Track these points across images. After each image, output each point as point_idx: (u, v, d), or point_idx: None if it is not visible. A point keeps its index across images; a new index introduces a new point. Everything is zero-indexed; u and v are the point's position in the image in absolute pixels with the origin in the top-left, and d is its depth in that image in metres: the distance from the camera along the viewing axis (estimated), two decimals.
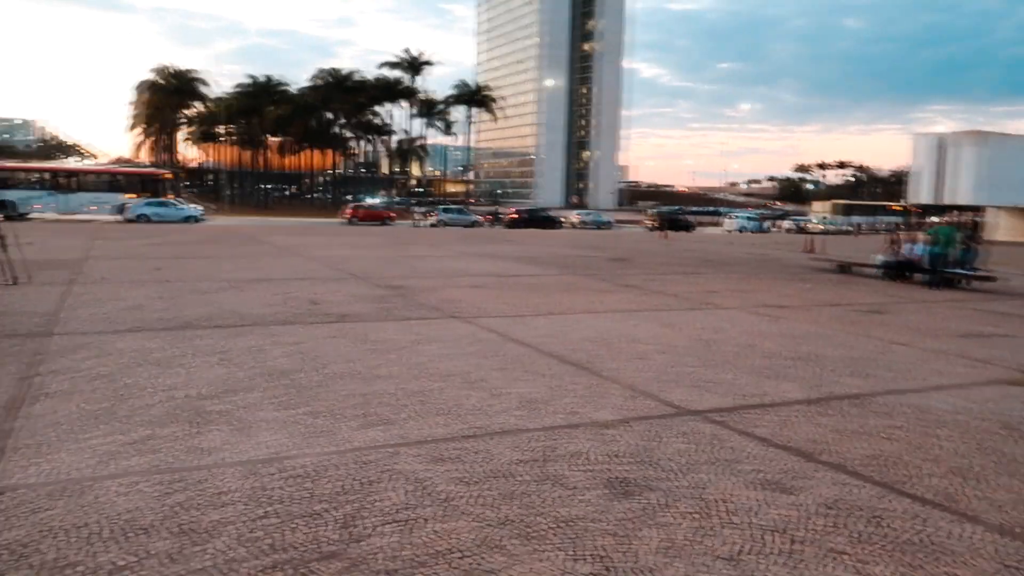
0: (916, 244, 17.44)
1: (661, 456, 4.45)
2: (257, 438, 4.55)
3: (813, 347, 8.19)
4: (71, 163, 69.84)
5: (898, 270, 17.07)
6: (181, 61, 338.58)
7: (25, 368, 6.11)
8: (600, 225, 56.40)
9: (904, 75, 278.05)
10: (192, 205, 49.41)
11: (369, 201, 67.22)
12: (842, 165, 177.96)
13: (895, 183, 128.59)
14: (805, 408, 5.66)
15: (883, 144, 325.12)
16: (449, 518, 3.48)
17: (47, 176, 42.61)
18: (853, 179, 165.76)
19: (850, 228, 66.57)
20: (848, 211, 74.56)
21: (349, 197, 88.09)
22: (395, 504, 3.62)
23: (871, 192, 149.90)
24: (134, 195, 41.04)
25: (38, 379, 5.78)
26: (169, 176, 48.46)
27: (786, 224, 66.05)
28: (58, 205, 39.54)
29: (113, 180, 44.37)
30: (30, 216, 37.49)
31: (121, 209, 39.36)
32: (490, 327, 8.76)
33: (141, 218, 37.89)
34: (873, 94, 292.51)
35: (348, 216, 47.31)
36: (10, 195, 38.42)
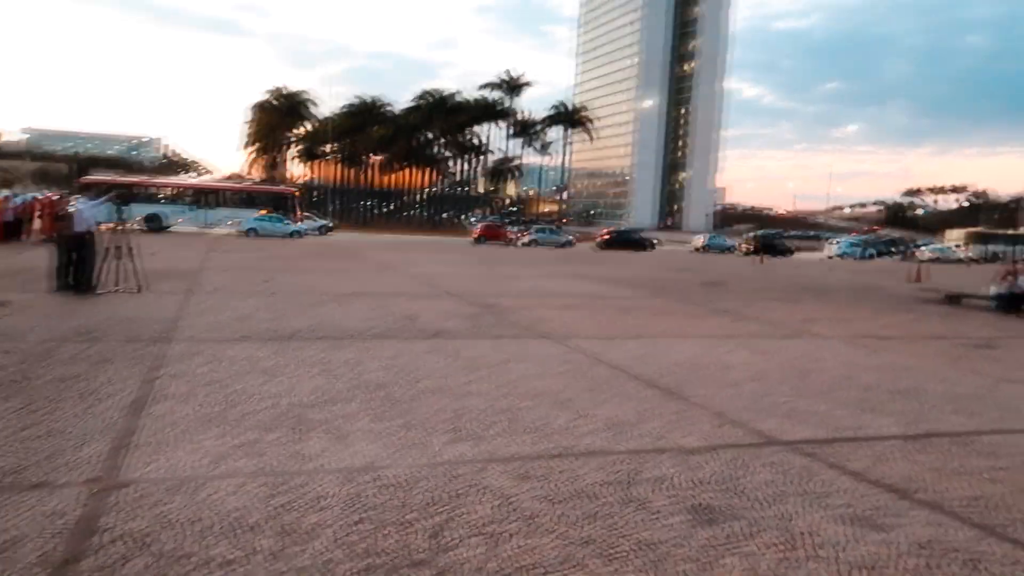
0: None
1: (747, 485, 4.42)
2: (354, 447, 4.80)
3: (914, 381, 7.88)
4: (212, 180, 75.15)
5: (1013, 303, 16.11)
6: (293, 82, 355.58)
7: (148, 371, 6.63)
8: (723, 249, 55.04)
9: None
10: (321, 220, 53.48)
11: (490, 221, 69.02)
12: (956, 189, 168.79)
13: (1015, 209, 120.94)
14: (902, 444, 5.48)
15: (1005, 167, 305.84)
16: (533, 534, 3.59)
17: (191, 192, 46.61)
18: (967, 204, 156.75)
19: (962, 258, 62.74)
20: (984, 240, 69.93)
21: (445, 215, 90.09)
22: (482, 518, 3.76)
23: (988, 218, 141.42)
24: (267, 211, 44.16)
25: (158, 382, 6.26)
26: (297, 194, 52.44)
27: (927, 252, 57.34)
28: (199, 220, 43.03)
29: (248, 197, 48.06)
30: (171, 229, 40.73)
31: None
32: (580, 348, 8.85)
33: (250, 232, 39.98)
34: (995, 115, 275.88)
35: (476, 235, 49.59)
36: (158, 209, 42.30)
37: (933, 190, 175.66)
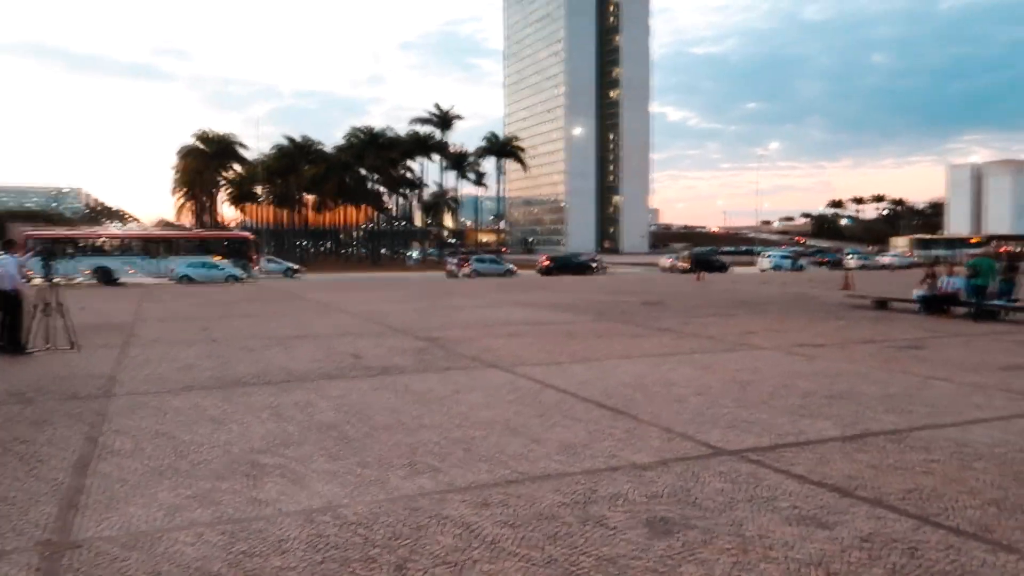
0: (954, 277, 17.32)
1: (699, 495, 4.58)
2: (311, 488, 4.79)
3: (849, 384, 8.23)
4: (163, 229, 74.10)
5: (937, 304, 16.93)
6: (219, 125, 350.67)
7: (90, 429, 6.46)
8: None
9: (935, 107, 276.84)
10: (286, 263, 52.40)
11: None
12: (878, 199, 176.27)
13: (933, 215, 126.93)
14: (841, 445, 5.74)
15: (918, 176, 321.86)
16: (497, 559, 3.66)
17: (140, 242, 45.31)
18: (889, 212, 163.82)
19: (885, 263, 65.51)
20: (927, 246, 73.56)
21: (384, 251, 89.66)
22: (445, 547, 3.81)
23: (909, 225, 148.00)
24: (220, 257, 43.27)
25: (102, 439, 6.11)
26: (252, 237, 51.71)
27: (854, 261, 61.84)
28: (152, 269, 41.94)
29: (202, 244, 46.85)
30: (121, 281, 39.38)
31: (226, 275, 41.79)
32: (528, 375, 8.96)
33: (184, 279, 39.02)
34: (905, 127, 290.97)
35: (451, 270, 49.49)
36: (106, 262, 41.08)
37: (855, 200, 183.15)
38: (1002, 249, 31.09)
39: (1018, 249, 63.76)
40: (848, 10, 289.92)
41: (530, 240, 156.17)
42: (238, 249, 45.52)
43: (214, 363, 10.11)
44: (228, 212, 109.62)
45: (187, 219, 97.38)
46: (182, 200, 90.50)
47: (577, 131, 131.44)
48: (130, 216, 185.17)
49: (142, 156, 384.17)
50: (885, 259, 63.33)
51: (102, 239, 45.47)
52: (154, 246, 44.35)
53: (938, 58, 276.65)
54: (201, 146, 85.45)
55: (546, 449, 5.66)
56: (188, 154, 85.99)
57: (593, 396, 7.64)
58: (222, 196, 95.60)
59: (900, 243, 76.44)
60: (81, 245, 42.75)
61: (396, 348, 11.51)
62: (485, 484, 4.85)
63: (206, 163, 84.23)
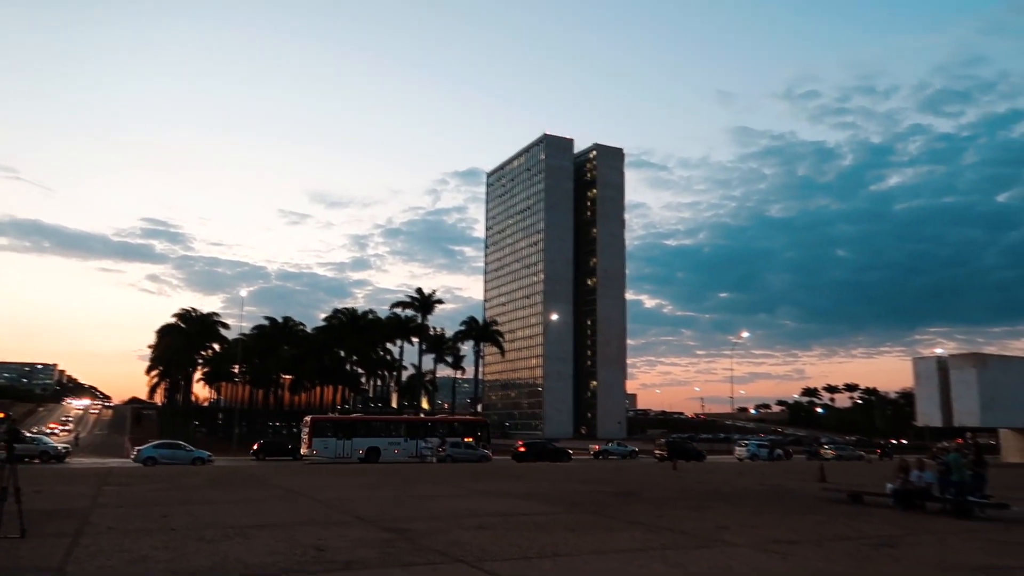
0: (924, 471, 17.36)
1: None
2: None
3: None
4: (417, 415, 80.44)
5: (908, 499, 16.83)
6: (203, 304, 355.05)
7: None
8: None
9: (900, 300, 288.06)
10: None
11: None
12: (849, 388, 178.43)
13: (905, 405, 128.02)
14: None
15: (889, 366, 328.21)
16: None
17: (404, 425, 50.30)
18: (861, 401, 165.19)
19: (862, 454, 65.41)
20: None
21: None
22: None
23: (881, 414, 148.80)
24: (470, 439, 48.41)
25: None
26: (486, 421, 57.84)
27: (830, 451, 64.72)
28: (409, 449, 45.70)
29: (451, 427, 51.28)
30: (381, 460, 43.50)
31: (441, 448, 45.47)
32: (495, 571, 8.70)
33: (149, 461, 37.90)
34: (872, 318, 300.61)
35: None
36: (376, 443, 45.20)
37: (829, 389, 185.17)
38: (958, 440, 31.40)
39: (991, 442, 64.13)
40: (809, 209, 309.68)
41: (506, 424, 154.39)
42: (476, 430, 50.84)
43: (168, 555, 9.71)
44: (202, 391, 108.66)
45: (159, 398, 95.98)
46: (156, 379, 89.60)
47: (555, 317, 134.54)
48: (100, 392, 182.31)
49: (121, 333, 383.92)
50: (829, 451, 65.69)
51: (375, 422, 52.50)
52: (415, 428, 48.71)
53: (897, 254, 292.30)
54: (182, 324, 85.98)
55: None
56: (168, 332, 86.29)
57: None
58: (197, 375, 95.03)
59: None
60: (356, 427, 47.77)
61: (361, 540, 11.16)
62: None
63: (186, 342, 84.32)
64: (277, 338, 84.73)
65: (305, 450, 44.72)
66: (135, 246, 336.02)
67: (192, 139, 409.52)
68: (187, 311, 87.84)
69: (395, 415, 74.59)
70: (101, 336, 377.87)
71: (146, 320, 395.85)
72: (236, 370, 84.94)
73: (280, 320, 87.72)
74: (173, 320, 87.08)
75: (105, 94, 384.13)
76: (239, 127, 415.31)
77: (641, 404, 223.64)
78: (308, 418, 47.13)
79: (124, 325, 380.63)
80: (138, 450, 40.20)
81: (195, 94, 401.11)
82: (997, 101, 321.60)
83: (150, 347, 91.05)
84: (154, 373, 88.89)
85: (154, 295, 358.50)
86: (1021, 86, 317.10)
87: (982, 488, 17.18)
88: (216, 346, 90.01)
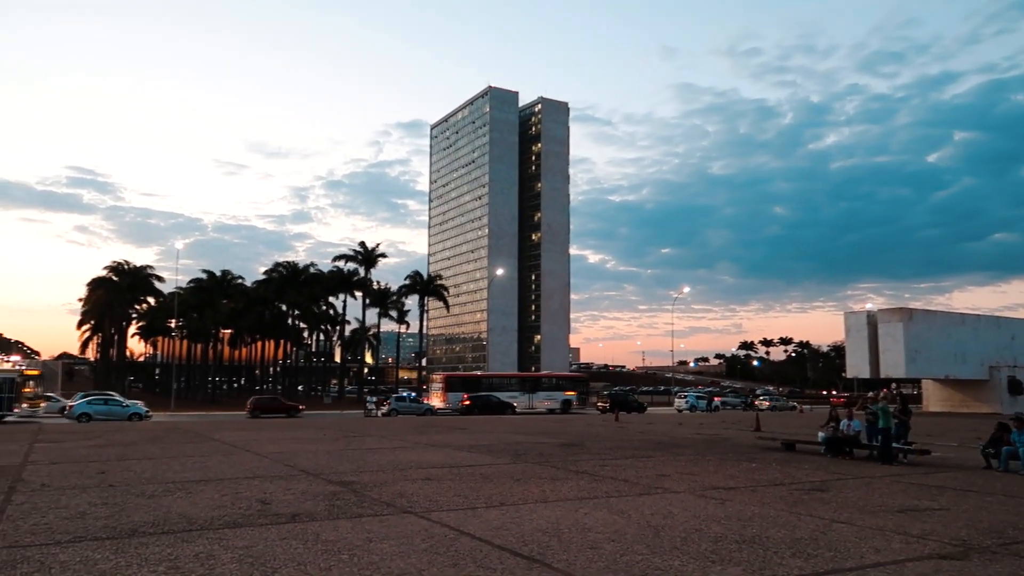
0: (853, 420, 18.12)
1: None
2: None
3: (758, 529, 8.41)
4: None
5: (838, 446, 17.59)
6: (136, 257, 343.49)
7: None
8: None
9: (833, 256, 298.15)
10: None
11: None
12: (784, 341, 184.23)
13: (836, 358, 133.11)
14: None
15: (822, 320, 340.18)
16: None
17: (518, 380, 61.89)
18: (795, 355, 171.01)
19: (795, 405, 67.96)
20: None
21: (301, 388, 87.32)
22: None
23: (815, 367, 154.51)
24: (574, 392, 57.65)
25: None
26: (586, 377, 67.63)
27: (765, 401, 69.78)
28: (525, 402, 54.86)
29: (557, 382, 61.56)
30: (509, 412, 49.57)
31: (567, 405, 55.30)
32: (443, 521, 8.79)
33: (83, 417, 36.93)
34: (806, 274, 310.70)
35: (368, 409, 50.69)
36: (500, 395, 52.50)
37: (765, 343, 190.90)
38: (883, 390, 33.09)
39: (915, 391, 67.23)
40: (749, 166, 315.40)
41: None
42: (577, 386, 59.96)
43: (108, 511, 9.51)
44: (138, 347, 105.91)
45: (92, 353, 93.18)
46: (88, 334, 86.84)
47: (499, 271, 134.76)
48: (28, 348, 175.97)
49: (48, 287, 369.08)
50: (764, 402, 68.24)
51: (495, 378, 62.69)
52: (528, 383, 59.20)
53: (832, 212, 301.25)
54: (114, 278, 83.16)
55: None
56: (99, 286, 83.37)
57: (508, 544, 7.55)
58: (132, 329, 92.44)
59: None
60: (483, 383, 57.22)
61: (307, 493, 11.12)
62: None
63: (118, 295, 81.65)
64: (215, 292, 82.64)
65: (440, 404, 51.36)
66: (61, 195, 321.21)
67: (121, 86, 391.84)
68: (119, 263, 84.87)
69: (515, 373, 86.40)
70: (27, 289, 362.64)
71: (75, 273, 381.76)
72: (173, 324, 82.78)
73: (218, 274, 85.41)
74: (105, 273, 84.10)
75: (29, 36, 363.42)
76: (171, 74, 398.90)
77: (584, 358, 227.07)
78: (440, 375, 54.58)
79: (52, 278, 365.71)
80: (71, 406, 39.09)
81: (125, 37, 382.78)
82: (930, 63, 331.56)
83: (80, 300, 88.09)
84: (86, 328, 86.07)
85: (83, 247, 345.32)
86: (953, 49, 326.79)
87: (906, 436, 18.04)
88: (151, 300, 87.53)
